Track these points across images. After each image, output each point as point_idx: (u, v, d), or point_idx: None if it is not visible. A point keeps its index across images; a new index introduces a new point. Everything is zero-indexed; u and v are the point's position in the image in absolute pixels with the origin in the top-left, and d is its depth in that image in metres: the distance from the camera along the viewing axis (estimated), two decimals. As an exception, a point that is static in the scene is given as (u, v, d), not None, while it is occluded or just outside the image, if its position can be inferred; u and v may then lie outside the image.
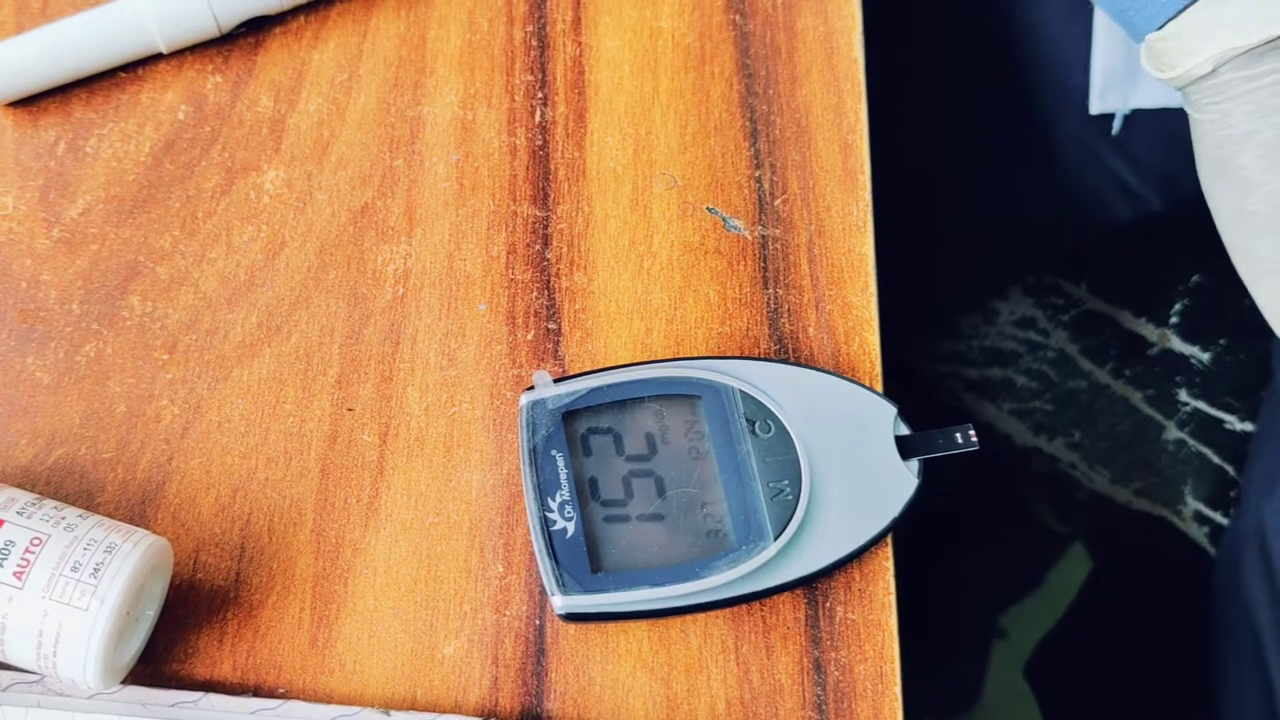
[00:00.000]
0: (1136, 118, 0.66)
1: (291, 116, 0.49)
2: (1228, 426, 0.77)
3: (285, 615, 0.42)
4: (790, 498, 0.41)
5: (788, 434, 0.41)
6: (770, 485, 0.41)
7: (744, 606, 0.42)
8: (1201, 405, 0.78)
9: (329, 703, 0.40)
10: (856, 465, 0.42)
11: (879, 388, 0.45)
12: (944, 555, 0.75)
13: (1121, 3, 0.44)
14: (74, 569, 0.37)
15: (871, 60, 0.50)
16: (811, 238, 0.47)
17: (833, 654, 0.41)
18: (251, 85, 0.50)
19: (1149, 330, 0.79)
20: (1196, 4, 0.41)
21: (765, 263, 0.47)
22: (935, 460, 0.42)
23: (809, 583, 0.42)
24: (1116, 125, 0.67)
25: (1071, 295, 0.80)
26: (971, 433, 0.43)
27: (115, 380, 0.45)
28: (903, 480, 0.42)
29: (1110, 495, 0.78)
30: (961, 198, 0.73)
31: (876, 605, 0.42)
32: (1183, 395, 0.78)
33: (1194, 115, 0.43)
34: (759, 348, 0.46)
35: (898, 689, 0.41)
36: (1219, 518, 0.76)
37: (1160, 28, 0.42)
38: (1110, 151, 0.69)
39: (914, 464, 0.42)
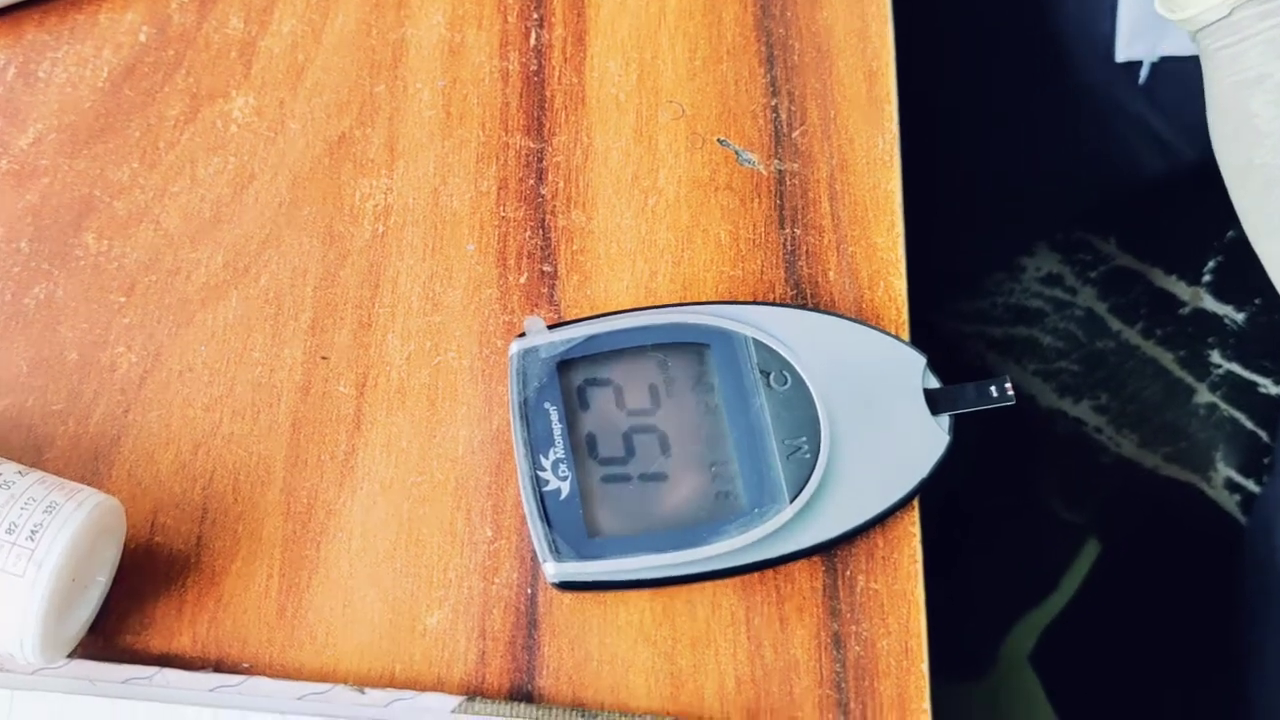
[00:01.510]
0: (1165, 65, 0.66)
1: (263, 39, 0.48)
2: (1262, 390, 0.78)
3: (251, 583, 0.41)
4: (808, 456, 0.39)
5: (805, 386, 0.40)
6: (786, 443, 0.40)
7: (756, 575, 0.41)
8: (1235, 368, 0.79)
9: (298, 679, 0.39)
10: (881, 421, 0.41)
11: (906, 336, 0.44)
12: (971, 523, 0.75)
13: None
14: (9, 530, 0.35)
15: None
16: (833, 172, 0.46)
17: (853, 627, 0.40)
18: (220, 4, 0.48)
19: (1180, 288, 0.80)
20: None
21: (782, 200, 0.46)
22: (966, 416, 0.41)
23: (828, 549, 0.40)
24: (1144, 73, 0.66)
25: (1100, 251, 0.82)
26: (1008, 386, 0.42)
27: (67, 325, 0.44)
28: (932, 437, 0.40)
29: (1138, 460, 0.78)
30: (985, 149, 0.73)
31: (901, 575, 0.41)
32: (1215, 357, 0.79)
33: (1206, 61, 0.43)
34: (774, 292, 0.44)
35: (924, 665, 0.40)
36: (1251, 485, 0.76)
37: None
38: (1138, 101, 0.68)
39: (944, 420, 0.41)
